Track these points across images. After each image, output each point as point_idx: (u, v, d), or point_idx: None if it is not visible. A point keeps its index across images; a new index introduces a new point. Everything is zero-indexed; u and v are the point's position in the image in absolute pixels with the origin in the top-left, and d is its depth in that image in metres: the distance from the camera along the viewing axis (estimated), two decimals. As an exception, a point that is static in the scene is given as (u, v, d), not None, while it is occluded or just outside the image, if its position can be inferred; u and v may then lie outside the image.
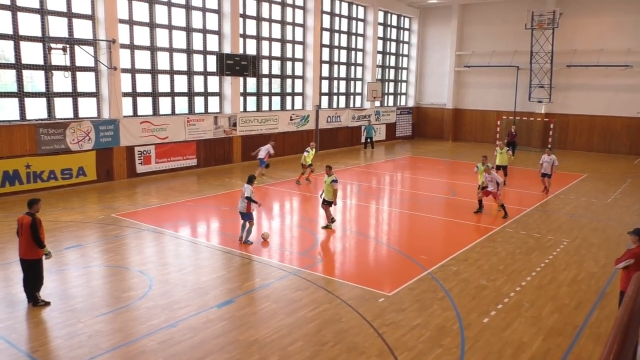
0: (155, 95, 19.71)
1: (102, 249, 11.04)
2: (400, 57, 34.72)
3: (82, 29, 17.20)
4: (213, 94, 21.97)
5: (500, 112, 31.31)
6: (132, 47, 18.71)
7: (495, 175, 14.63)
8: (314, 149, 19.05)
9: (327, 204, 12.98)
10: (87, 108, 17.73)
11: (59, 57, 16.50)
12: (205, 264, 10.37)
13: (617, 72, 27.91)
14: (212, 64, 21.44)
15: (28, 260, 8.10)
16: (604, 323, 8.10)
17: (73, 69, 17.08)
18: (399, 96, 35.21)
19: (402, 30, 34.38)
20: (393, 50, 33.86)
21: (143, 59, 19.21)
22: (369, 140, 29.01)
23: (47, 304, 8.17)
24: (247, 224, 11.56)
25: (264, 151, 19.01)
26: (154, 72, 19.54)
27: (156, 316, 7.91)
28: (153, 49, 19.38)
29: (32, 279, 8.13)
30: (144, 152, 18.92)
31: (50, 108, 16.62)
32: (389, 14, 32.62)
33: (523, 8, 29.80)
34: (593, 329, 7.88)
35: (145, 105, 19.50)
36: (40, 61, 16.30)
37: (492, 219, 14.39)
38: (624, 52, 27.55)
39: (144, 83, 19.36)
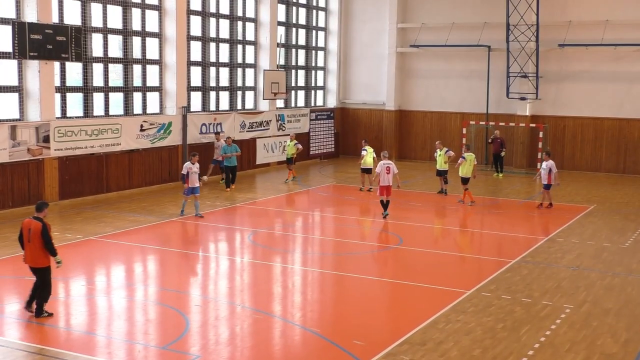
0: None
1: None
2: (314, 31, 35.49)
3: None
4: (9, 89, 21.11)
5: (465, 115, 32.56)
6: None
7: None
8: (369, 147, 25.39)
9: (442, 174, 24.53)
10: None
11: None
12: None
13: (631, 54, 29.93)
14: (5, 39, 20.55)
15: (38, 268, 11.34)
16: None
17: None
18: (313, 92, 35.84)
19: (315, -10, 35.28)
20: (302, 21, 34.52)
21: None
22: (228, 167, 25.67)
23: (50, 315, 11.40)
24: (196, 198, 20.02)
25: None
26: None
27: None
28: None
29: (41, 288, 11.38)
30: None
31: None
32: (295, -35, 33.37)
33: (494, -40, 31.49)
34: None
35: None
36: None
37: (459, 279, 14.71)
38: (639, 25, 29.67)
39: None
